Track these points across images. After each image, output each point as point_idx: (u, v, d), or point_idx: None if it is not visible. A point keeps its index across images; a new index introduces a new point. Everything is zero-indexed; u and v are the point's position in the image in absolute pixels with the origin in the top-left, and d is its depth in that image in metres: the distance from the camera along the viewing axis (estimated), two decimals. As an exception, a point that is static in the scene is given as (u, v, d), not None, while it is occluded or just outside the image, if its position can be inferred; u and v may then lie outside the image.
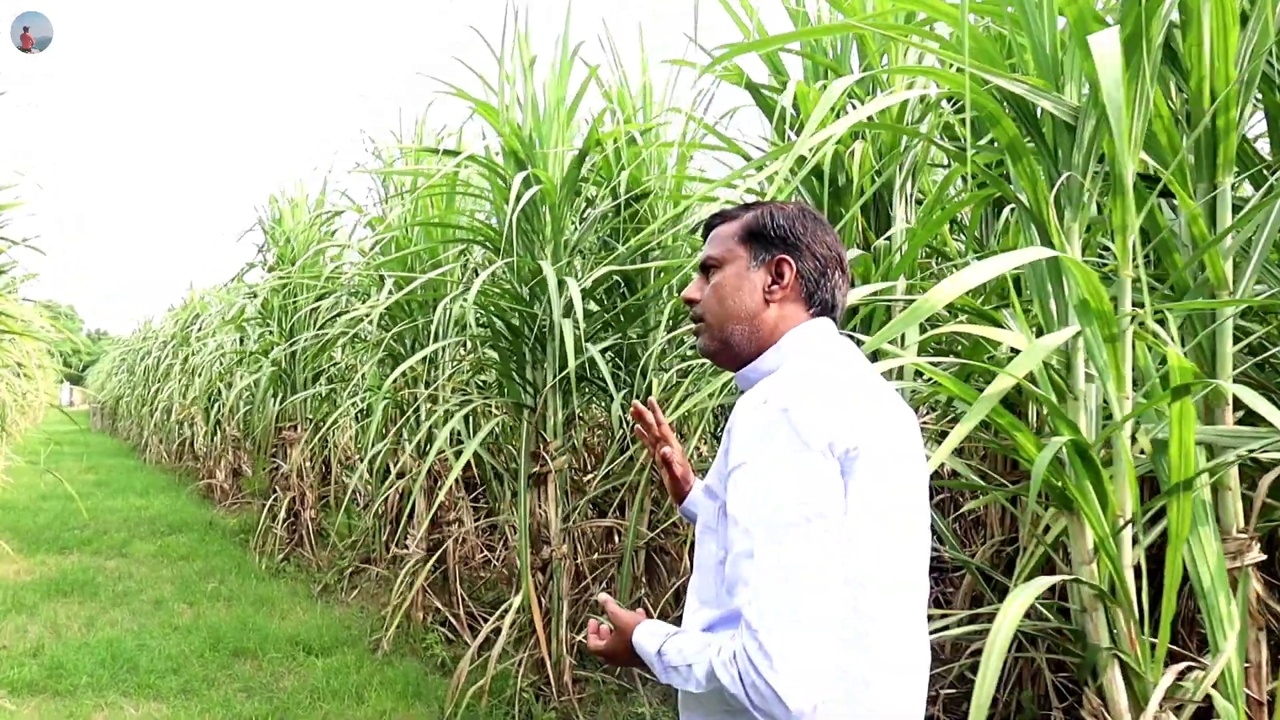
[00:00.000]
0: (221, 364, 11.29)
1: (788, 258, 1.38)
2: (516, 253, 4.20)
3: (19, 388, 12.59)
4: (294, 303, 7.87)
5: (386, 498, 7.05)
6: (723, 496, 1.27)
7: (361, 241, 7.20)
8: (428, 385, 5.51)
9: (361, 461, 8.70)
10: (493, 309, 4.35)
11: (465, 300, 3.87)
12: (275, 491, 8.26)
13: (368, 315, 5.17)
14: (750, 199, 2.77)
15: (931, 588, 2.85)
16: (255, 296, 9.16)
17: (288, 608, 6.02)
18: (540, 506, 4.28)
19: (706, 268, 1.45)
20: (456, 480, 5.77)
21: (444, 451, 5.51)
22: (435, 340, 5.43)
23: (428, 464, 4.05)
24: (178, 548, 8.13)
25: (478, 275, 5.27)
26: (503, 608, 4.23)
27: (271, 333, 8.73)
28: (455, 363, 5.40)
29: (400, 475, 6.72)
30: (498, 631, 4.22)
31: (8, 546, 7.52)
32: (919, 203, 3.34)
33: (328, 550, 8.02)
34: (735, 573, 1.19)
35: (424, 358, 4.33)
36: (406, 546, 5.62)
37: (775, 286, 1.38)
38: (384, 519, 6.88)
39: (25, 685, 4.34)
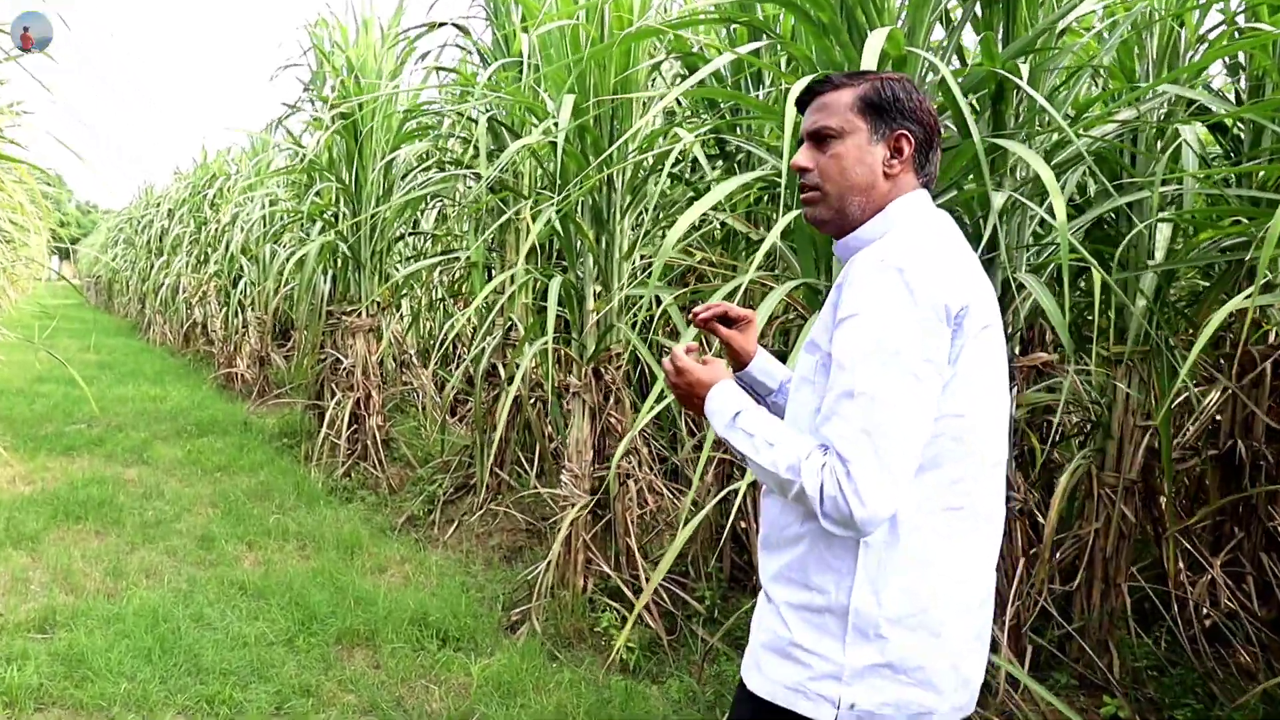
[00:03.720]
0: (249, 234, 9.53)
1: (906, 133, 1.40)
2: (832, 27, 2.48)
3: (8, 255, 10.85)
4: (359, 147, 6.08)
5: (489, 409, 5.48)
6: (825, 349, 1.33)
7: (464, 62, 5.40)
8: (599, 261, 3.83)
9: (453, 356, 7.11)
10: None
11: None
12: (330, 391, 6.65)
13: (540, 142, 3.42)
14: None
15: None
16: (300, 148, 7.34)
17: (380, 552, 4.47)
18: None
19: (822, 137, 1.42)
20: (621, 398, 4.16)
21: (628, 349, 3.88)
22: (614, 189, 3.72)
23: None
24: (211, 454, 6.55)
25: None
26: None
27: (319, 195, 6.94)
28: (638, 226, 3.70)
29: (510, 380, 5.13)
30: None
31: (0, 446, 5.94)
32: None
33: (397, 466, 6.48)
34: (832, 408, 1.26)
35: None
36: (559, 483, 4.05)
37: (895, 160, 1.40)
38: (487, 434, 5.31)
39: (29, 693, 2.80)
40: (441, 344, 6.59)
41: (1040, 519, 3.18)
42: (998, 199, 2.31)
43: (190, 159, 13.80)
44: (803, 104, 1.47)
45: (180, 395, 9.31)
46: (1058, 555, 3.36)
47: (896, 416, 1.22)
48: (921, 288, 1.25)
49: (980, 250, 2.74)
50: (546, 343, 3.45)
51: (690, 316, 1.63)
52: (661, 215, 3.94)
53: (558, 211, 3.45)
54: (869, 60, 2.01)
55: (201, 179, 12.61)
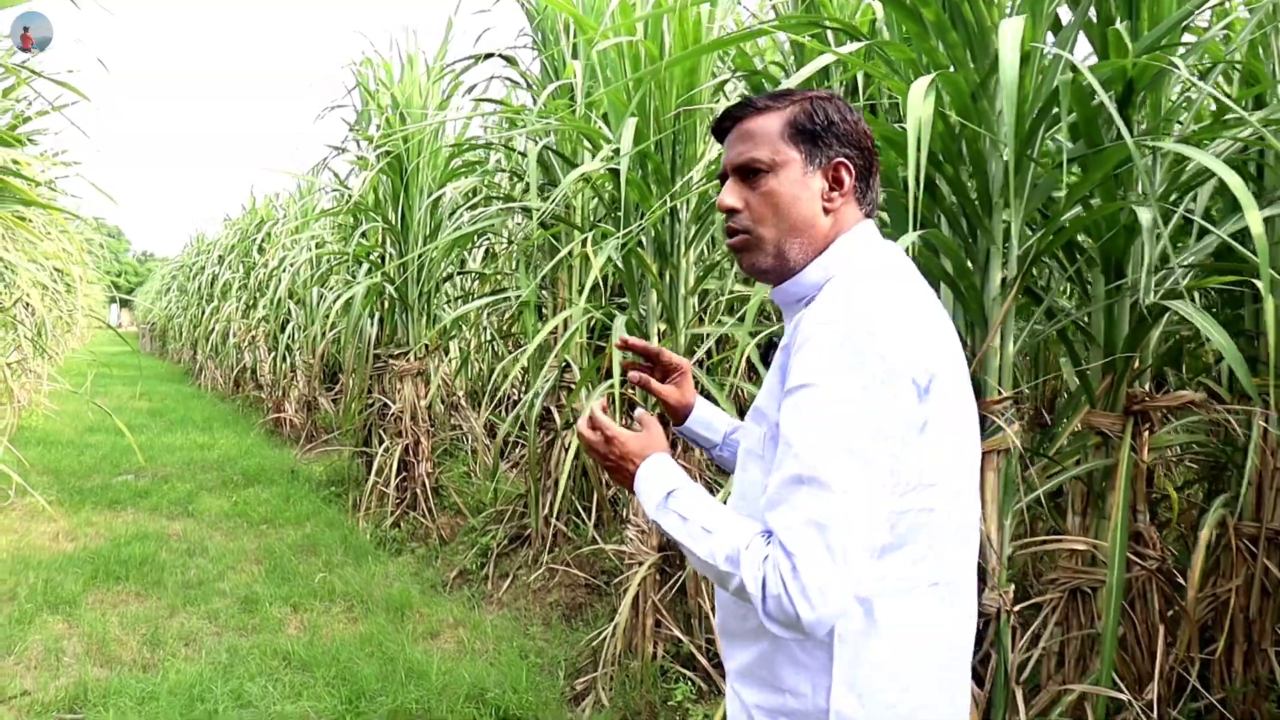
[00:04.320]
0: (295, 277, 9.44)
1: (846, 161, 1.25)
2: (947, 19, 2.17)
3: (61, 305, 10.89)
4: (404, 186, 5.89)
5: (543, 455, 5.19)
6: (774, 418, 1.20)
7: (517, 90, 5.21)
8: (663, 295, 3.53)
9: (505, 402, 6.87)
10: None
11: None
12: (378, 437, 6.42)
13: (598, 171, 3.16)
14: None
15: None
16: (346, 189, 7.20)
17: (431, 614, 4.18)
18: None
19: (750, 171, 1.25)
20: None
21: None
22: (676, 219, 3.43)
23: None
24: (258, 505, 6.35)
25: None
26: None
27: (365, 236, 6.77)
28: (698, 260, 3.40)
29: (567, 425, 4.86)
30: None
31: (44, 500, 5.78)
32: None
33: (448, 515, 6.21)
34: (778, 494, 1.11)
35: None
36: (619, 534, 3.74)
37: (835, 194, 1.25)
38: (541, 482, 5.02)
39: (54, 788, 2.54)
40: (494, 390, 6.35)
41: (1179, 577, 2.80)
42: (1146, 215, 1.98)
43: (240, 205, 13.85)
44: (720, 132, 1.30)
45: (228, 443, 9.18)
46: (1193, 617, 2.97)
47: (850, 505, 1.08)
48: (876, 356, 1.11)
49: (1114, 278, 2.40)
50: (613, 386, 3.15)
51: (622, 369, 1.43)
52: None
53: (621, 246, 3.17)
54: (1006, 56, 1.70)
55: (250, 224, 12.65)
